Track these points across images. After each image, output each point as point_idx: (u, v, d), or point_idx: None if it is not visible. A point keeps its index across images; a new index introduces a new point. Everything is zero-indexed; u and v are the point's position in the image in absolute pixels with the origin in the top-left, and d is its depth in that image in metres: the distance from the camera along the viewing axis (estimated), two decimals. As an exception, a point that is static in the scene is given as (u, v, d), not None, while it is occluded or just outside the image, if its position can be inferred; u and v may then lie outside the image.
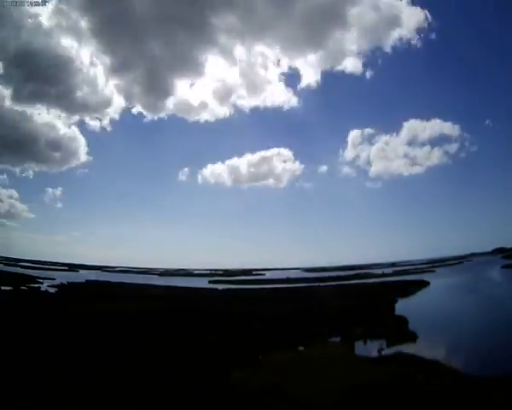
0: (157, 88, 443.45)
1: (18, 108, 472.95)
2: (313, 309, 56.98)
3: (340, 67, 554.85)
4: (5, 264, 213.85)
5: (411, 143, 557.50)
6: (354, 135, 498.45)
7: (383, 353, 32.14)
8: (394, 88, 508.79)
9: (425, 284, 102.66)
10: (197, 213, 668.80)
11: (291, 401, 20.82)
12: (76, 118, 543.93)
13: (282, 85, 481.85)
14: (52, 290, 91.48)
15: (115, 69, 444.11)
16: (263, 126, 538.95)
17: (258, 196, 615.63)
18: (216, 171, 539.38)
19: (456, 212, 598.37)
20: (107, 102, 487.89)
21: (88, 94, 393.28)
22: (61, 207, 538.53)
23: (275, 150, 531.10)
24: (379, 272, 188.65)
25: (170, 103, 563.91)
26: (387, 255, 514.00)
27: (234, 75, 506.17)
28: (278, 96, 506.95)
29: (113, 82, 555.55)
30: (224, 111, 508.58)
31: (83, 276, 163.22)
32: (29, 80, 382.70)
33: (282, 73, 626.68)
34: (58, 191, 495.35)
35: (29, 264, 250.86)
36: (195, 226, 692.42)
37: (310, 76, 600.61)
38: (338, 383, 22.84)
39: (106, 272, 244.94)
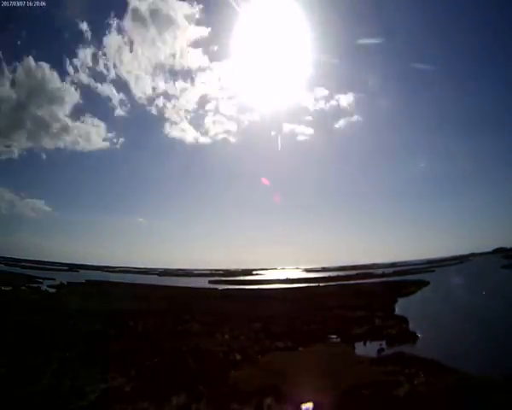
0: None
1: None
2: (313, 309, 56.93)
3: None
4: (5, 264, 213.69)
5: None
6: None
7: (383, 353, 32.07)
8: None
9: (425, 283, 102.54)
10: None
11: (290, 400, 20.76)
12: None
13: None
14: (52, 290, 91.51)
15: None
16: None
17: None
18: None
19: (457, 212, 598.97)
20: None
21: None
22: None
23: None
24: (379, 272, 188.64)
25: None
26: (387, 256, 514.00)
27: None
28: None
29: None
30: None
31: (83, 276, 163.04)
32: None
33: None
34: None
35: (29, 264, 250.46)
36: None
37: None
38: (338, 383, 22.79)
39: (106, 272, 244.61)
